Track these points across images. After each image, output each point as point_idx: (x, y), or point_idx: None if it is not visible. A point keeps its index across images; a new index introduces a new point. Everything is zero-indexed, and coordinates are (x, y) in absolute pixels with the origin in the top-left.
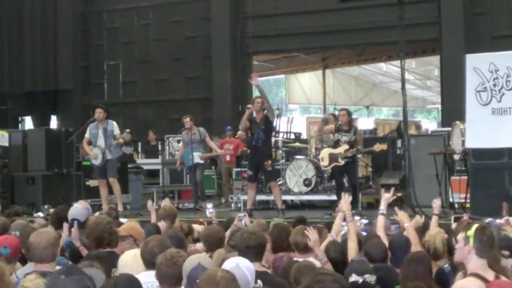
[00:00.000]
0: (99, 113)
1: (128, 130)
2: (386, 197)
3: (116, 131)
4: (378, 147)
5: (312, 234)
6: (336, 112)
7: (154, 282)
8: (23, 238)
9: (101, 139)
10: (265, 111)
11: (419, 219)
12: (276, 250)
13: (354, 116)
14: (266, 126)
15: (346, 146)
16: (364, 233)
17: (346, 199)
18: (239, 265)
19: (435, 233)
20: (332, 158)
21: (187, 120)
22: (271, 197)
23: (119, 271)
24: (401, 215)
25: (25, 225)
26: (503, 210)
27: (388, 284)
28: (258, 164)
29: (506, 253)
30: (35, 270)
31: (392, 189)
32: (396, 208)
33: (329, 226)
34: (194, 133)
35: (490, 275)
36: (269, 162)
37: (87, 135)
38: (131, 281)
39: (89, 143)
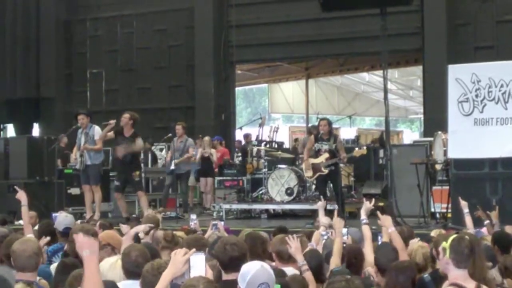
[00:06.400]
0: (82, 119)
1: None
2: (367, 206)
3: (97, 136)
4: (357, 152)
5: (293, 241)
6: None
7: None
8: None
9: (82, 143)
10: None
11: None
12: (252, 258)
13: (336, 126)
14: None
15: (326, 155)
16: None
17: (339, 221)
18: (263, 265)
19: (416, 247)
20: (315, 168)
21: (176, 128)
22: (253, 206)
23: None
24: (384, 220)
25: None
26: (479, 214)
27: None
28: (126, 176)
29: (489, 264)
30: (18, 279)
31: (373, 199)
32: (378, 213)
33: (310, 235)
34: (181, 141)
35: (470, 284)
36: (137, 173)
37: (77, 141)
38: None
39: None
